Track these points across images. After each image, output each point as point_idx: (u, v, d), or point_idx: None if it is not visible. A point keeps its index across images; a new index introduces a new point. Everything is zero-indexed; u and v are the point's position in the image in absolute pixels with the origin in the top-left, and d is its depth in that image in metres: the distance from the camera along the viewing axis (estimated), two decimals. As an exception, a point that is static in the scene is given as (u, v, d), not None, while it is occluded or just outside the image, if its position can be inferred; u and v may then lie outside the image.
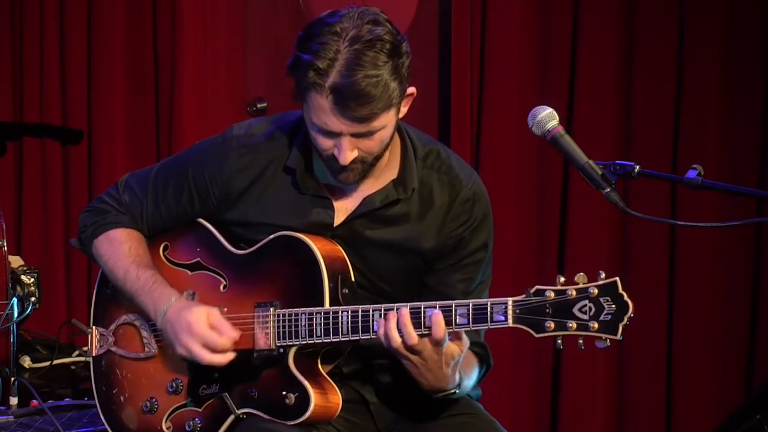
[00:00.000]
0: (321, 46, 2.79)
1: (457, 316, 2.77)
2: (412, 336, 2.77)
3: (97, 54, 5.36)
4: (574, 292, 2.67)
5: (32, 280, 4.27)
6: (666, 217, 4.92)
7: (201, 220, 3.12)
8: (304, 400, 2.90)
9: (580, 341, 2.66)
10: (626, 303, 2.64)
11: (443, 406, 3.02)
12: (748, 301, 5.05)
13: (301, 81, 2.82)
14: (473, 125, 5.23)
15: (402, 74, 2.82)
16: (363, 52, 2.78)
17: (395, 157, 3.00)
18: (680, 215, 5.01)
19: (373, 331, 2.84)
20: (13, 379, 4.08)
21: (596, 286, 2.66)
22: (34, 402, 4.00)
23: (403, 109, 2.92)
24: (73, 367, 4.53)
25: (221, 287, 3.06)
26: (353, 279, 2.96)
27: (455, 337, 2.81)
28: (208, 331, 2.94)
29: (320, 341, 2.89)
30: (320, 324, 2.89)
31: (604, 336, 2.64)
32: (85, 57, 5.35)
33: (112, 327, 3.19)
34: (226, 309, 2.99)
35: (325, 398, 2.93)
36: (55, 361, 4.42)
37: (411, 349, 2.79)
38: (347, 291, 2.93)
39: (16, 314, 4.10)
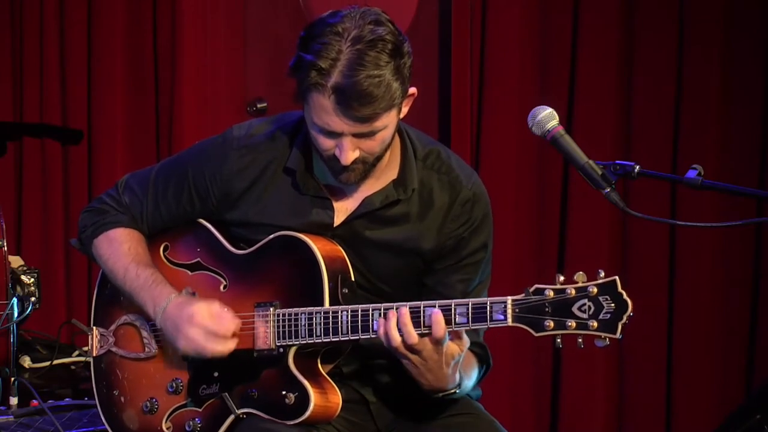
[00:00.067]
0: (323, 46, 2.79)
1: (457, 315, 2.77)
2: (412, 335, 2.77)
3: (97, 54, 5.36)
4: (573, 291, 2.67)
5: (32, 280, 4.27)
6: (666, 217, 4.92)
7: (201, 220, 3.12)
8: (303, 399, 2.91)
9: (580, 340, 2.66)
10: (625, 302, 2.64)
11: (443, 406, 3.02)
12: (748, 301, 5.05)
13: (303, 81, 2.82)
14: (473, 125, 5.23)
15: (404, 74, 2.82)
16: (365, 52, 2.78)
17: (395, 158, 3.00)
18: (680, 215, 5.01)
19: (372, 331, 2.84)
20: (13, 379, 4.08)
21: (595, 285, 2.66)
22: (34, 402, 4.00)
23: (404, 110, 2.92)
24: (73, 367, 4.53)
25: (221, 287, 3.06)
26: (353, 279, 2.96)
27: (455, 336, 2.81)
28: (209, 319, 2.94)
29: (320, 341, 2.89)
30: (320, 324, 2.89)
31: (603, 335, 2.65)
32: (85, 57, 5.35)
33: (113, 327, 3.19)
34: (226, 309, 2.99)
35: (325, 398, 2.93)
36: (55, 361, 4.42)
37: (411, 348, 2.79)
38: (347, 291, 2.93)
39: (16, 314, 4.10)
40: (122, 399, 3.15)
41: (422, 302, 2.81)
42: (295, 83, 2.86)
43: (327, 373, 2.97)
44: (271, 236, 3.00)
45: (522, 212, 5.20)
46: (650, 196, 4.96)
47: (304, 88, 2.83)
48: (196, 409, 3.04)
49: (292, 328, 2.92)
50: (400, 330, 2.79)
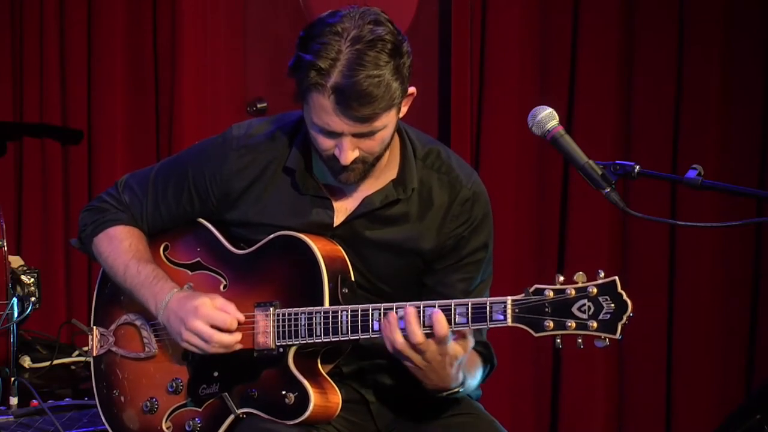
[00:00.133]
0: (322, 46, 2.79)
1: (456, 315, 2.77)
2: (417, 334, 2.77)
3: (97, 54, 5.36)
4: (573, 292, 2.67)
5: (32, 280, 4.27)
6: (666, 217, 4.92)
7: (201, 220, 3.12)
8: (303, 399, 2.91)
9: (579, 340, 2.66)
10: (625, 302, 2.64)
11: (443, 406, 3.02)
12: (748, 301, 5.05)
13: (303, 81, 2.82)
14: (473, 125, 5.23)
15: (403, 74, 2.83)
16: (365, 52, 2.78)
17: (395, 158, 3.00)
18: (680, 215, 5.00)
19: (373, 331, 2.84)
20: (13, 379, 4.08)
21: (595, 286, 2.66)
22: (34, 402, 4.00)
23: (404, 109, 2.92)
24: (73, 367, 4.53)
25: (221, 287, 3.06)
26: (353, 279, 2.96)
27: (460, 336, 2.81)
28: (214, 311, 2.94)
29: (320, 341, 2.89)
30: (320, 324, 2.89)
31: (603, 335, 2.64)
32: (85, 57, 5.35)
33: (113, 327, 3.19)
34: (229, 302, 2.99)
35: (324, 398, 2.93)
36: (55, 361, 4.42)
37: (415, 347, 2.78)
38: (347, 291, 2.93)
39: (16, 314, 4.10)
40: (122, 399, 3.15)
41: (422, 302, 2.81)
42: (295, 83, 2.86)
43: (327, 373, 2.97)
44: (271, 236, 3.00)
45: (522, 212, 5.20)
46: (650, 196, 4.96)
47: (304, 88, 2.83)
48: (196, 408, 3.04)
49: (292, 328, 2.92)
50: (404, 330, 2.78)
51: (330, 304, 2.90)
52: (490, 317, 2.74)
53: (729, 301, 5.06)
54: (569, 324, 2.66)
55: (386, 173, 2.99)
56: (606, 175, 2.84)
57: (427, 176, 3.01)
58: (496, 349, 3.10)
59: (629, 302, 2.64)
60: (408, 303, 2.82)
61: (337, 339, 2.88)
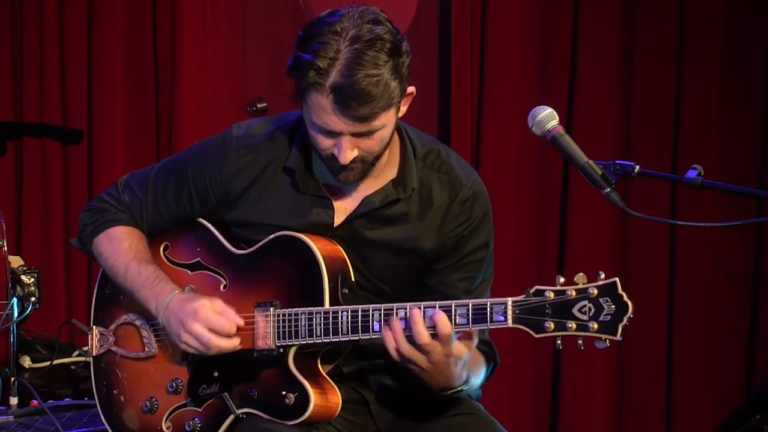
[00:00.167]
0: (321, 45, 2.79)
1: (457, 317, 2.76)
2: (423, 334, 2.76)
3: (97, 54, 5.36)
4: (573, 293, 2.67)
5: (32, 280, 4.27)
6: (666, 217, 4.92)
7: (201, 220, 3.12)
8: (303, 400, 2.91)
9: (580, 342, 2.66)
10: (626, 303, 2.64)
11: (443, 406, 3.02)
12: (748, 301, 5.05)
13: (302, 81, 2.82)
14: (473, 125, 5.23)
15: (402, 73, 2.82)
16: (363, 52, 2.78)
17: (394, 157, 3.00)
18: (680, 215, 5.00)
19: (373, 331, 2.84)
20: (13, 379, 4.08)
21: (596, 287, 2.65)
22: (34, 402, 4.00)
23: (403, 109, 2.92)
24: (73, 367, 4.53)
25: (221, 287, 3.06)
26: (353, 279, 2.96)
27: (465, 336, 2.80)
28: (214, 315, 2.94)
29: (320, 341, 2.89)
30: (320, 324, 2.89)
31: (603, 336, 2.64)
32: (85, 57, 5.35)
33: (113, 327, 3.19)
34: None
35: (324, 398, 2.93)
36: (55, 361, 4.42)
37: (421, 349, 2.78)
38: (347, 291, 2.93)
39: (16, 314, 4.10)
40: (122, 398, 3.15)
41: (422, 303, 2.81)
42: (294, 83, 2.86)
43: (327, 374, 2.97)
44: (272, 236, 3.00)
45: (522, 212, 5.20)
46: (650, 196, 4.96)
47: (303, 87, 2.83)
48: (196, 408, 3.04)
49: (292, 329, 2.92)
50: (407, 331, 2.78)
51: (330, 305, 2.90)
52: (491, 318, 2.74)
53: (729, 301, 5.06)
54: (570, 325, 2.66)
55: (386, 173, 2.99)
56: (606, 175, 2.84)
57: (427, 176, 3.01)
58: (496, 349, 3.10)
59: (630, 304, 2.63)
60: (408, 303, 2.82)
61: (338, 339, 2.88)
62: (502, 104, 5.18)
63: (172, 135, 5.34)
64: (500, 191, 5.01)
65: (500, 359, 3.10)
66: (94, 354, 3.21)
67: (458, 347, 2.80)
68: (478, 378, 2.99)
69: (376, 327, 2.83)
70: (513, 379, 5.17)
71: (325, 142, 2.87)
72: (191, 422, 3.04)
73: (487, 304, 2.74)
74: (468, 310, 2.76)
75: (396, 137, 2.98)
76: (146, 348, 3.13)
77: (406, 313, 2.81)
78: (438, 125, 5.39)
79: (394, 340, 2.79)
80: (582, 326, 2.65)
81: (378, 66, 2.78)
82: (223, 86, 5.46)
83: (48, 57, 5.32)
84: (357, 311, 2.86)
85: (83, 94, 5.36)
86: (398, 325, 2.79)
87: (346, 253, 2.98)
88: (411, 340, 2.78)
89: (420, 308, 2.79)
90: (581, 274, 2.66)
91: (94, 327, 3.22)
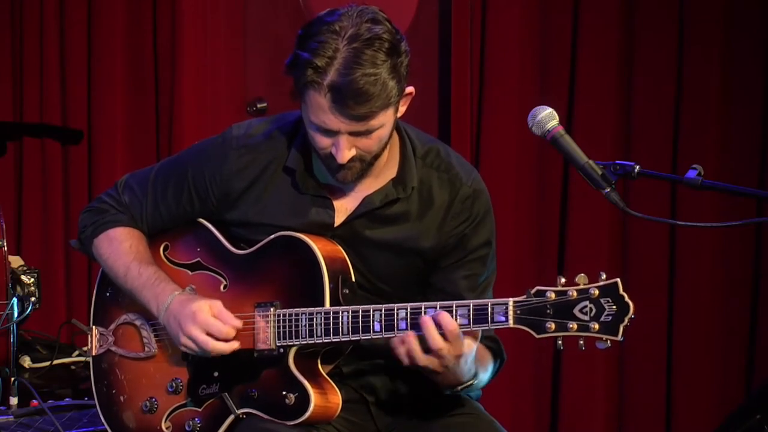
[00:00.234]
0: (320, 44, 2.79)
1: (458, 317, 2.77)
2: (437, 339, 2.76)
3: (97, 54, 5.36)
4: (574, 293, 2.67)
5: (32, 280, 4.27)
6: (666, 217, 4.92)
7: (201, 220, 3.12)
8: (304, 400, 2.90)
9: (581, 342, 2.66)
10: (627, 304, 2.64)
11: (443, 407, 3.02)
12: (748, 301, 5.05)
13: (300, 79, 2.82)
14: (473, 125, 5.23)
15: (400, 73, 2.82)
16: (362, 51, 2.78)
17: (394, 156, 3.00)
18: (680, 215, 5.01)
19: (374, 332, 2.84)
20: (13, 379, 4.08)
21: (597, 287, 2.66)
22: (34, 402, 4.00)
23: (402, 109, 2.91)
24: (73, 367, 4.53)
25: (221, 287, 3.06)
26: (354, 279, 2.95)
27: (469, 332, 2.80)
28: (212, 319, 2.94)
29: (320, 341, 2.89)
30: (320, 324, 2.89)
31: (604, 337, 2.64)
32: (85, 57, 5.35)
33: (112, 327, 3.19)
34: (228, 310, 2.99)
35: (325, 398, 2.93)
36: (55, 361, 4.42)
37: (435, 353, 2.78)
38: (347, 291, 2.93)
39: (16, 314, 4.10)
40: (122, 398, 3.15)
41: (423, 303, 2.81)
42: (293, 81, 2.86)
43: (327, 374, 2.97)
44: (272, 236, 3.00)
45: (522, 212, 5.20)
46: (650, 196, 4.96)
47: (301, 86, 2.83)
48: (196, 408, 3.04)
49: (293, 329, 2.92)
50: (423, 337, 2.77)
51: (331, 305, 2.90)
52: (492, 318, 2.74)
53: (729, 301, 5.06)
54: (571, 326, 2.66)
55: (386, 172, 2.99)
56: (606, 175, 2.84)
57: (427, 175, 3.01)
58: (496, 348, 3.10)
59: (631, 304, 2.64)
60: (408, 304, 2.82)
61: (338, 339, 2.88)
62: (502, 104, 5.18)
63: (172, 135, 5.34)
64: (500, 191, 5.01)
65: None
66: (93, 354, 3.21)
67: (467, 342, 2.80)
68: (486, 373, 2.98)
69: (377, 327, 2.83)
70: (513, 379, 5.17)
71: (322, 141, 2.87)
72: (191, 422, 3.03)
73: (488, 305, 2.74)
74: (469, 310, 2.76)
75: (396, 136, 2.98)
76: (146, 348, 3.13)
77: (406, 314, 2.81)
78: (438, 125, 5.39)
79: (407, 353, 2.79)
80: (583, 327, 2.65)
81: (376, 65, 2.78)
82: (223, 86, 5.46)
83: (48, 57, 5.31)
84: (357, 311, 2.86)
85: (83, 94, 5.36)
86: (412, 334, 2.78)
87: (347, 253, 2.97)
88: (424, 345, 2.78)
89: (417, 309, 2.79)
90: (582, 274, 2.66)
91: (93, 327, 3.22)
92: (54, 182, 5.35)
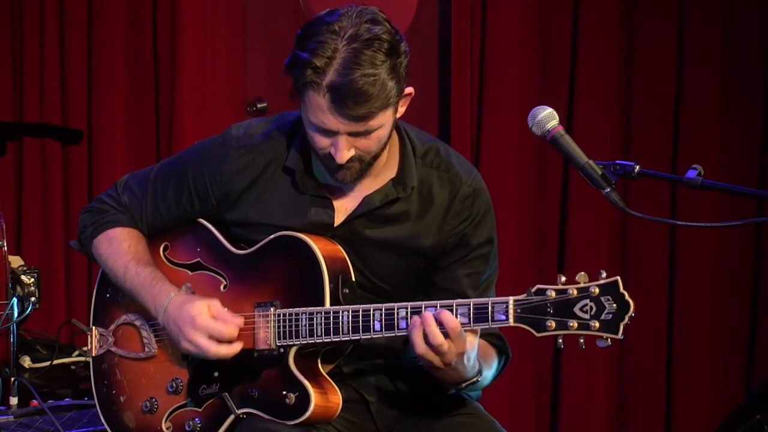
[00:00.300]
0: (319, 44, 2.79)
1: (459, 316, 2.77)
2: (437, 335, 2.76)
3: (97, 54, 5.36)
4: (575, 292, 2.67)
5: (32, 280, 4.27)
6: (666, 217, 4.92)
7: (201, 220, 3.12)
8: (304, 400, 2.90)
9: (581, 340, 2.66)
10: (627, 302, 2.64)
11: (443, 406, 3.02)
12: (748, 301, 5.05)
13: (299, 79, 2.82)
14: (473, 125, 5.23)
15: (400, 73, 2.82)
16: (361, 51, 2.78)
17: (394, 156, 3.00)
18: (680, 215, 5.01)
19: (374, 331, 2.84)
20: (13, 379, 4.08)
21: (597, 286, 2.66)
22: (34, 402, 4.00)
23: (401, 109, 2.91)
24: (73, 367, 4.53)
25: (221, 287, 3.06)
26: (354, 279, 2.95)
27: (470, 330, 2.80)
28: (212, 322, 2.94)
29: (321, 341, 2.89)
30: (321, 324, 2.89)
31: (605, 335, 2.64)
32: (85, 57, 5.35)
33: (112, 327, 3.19)
34: (226, 309, 2.99)
35: (325, 398, 2.93)
36: (55, 361, 4.42)
37: (436, 350, 2.78)
38: (348, 291, 2.93)
39: (16, 314, 4.10)
40: (122, 399, 3.15)
41: (423, 302, 2.81)
42: (292, 81, 2.86)
43: (327, 373, 2.97)
44: (272, 236, 3.00)
45: (522, 212, 5.20)
46: (650, 196, 4.96)
47: (300, 86, 2.83)
48: (196, 409, 3.04)
49: (293, 328, 2.92)
50: (424, 331, 2.78)
51: (331, 305, 2.90)
52: (492, 317, 2.74)
53: (729, 301, 5.06)
54: (571, 324, 2.66)
55: (386, 172, 2.99)
56: (606, 175, 2.84)
57: (427, 174, 3.01)
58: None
59: (631, 302, 2.64)
60: (408, 303, 2.82)
61: (338, 339, 2.88)
62: (502, 104, 5.18)
63: (172, 135, 5.34)
64: (500, 191, 5.00)
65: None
66: (93, 354, 3.21)
67: (469, 339, 2.80)
68: (490, 370, 2.98)
69: (377, 326, 2.84)
70: (513, 378, 5.16)
71: (321, 141, 2.87)
72: (191, 422, 3.03)
73: (488, 303, 2.74)
74: (469, 309, 2.76)
75: (395, 136, 2.98)
76: (146, 348, 3.13)
77: (407, 313, 2.81)
78: (438, 125, 5.39)
79: (425, 336, 2.78)
80: (583, 325, 2.65)
81: (375, 66, 2.78)
82: (223, 86, 5.46)
83: (48, 57, 5.31)
84: (358, 311, 2.86)
85: (83, 94, 5.36)
86: (431, 321, 2.78)
87: (347, 253, 2.97)
88: (426, 340, 2.78)
89: (417, 308, 2.79)
90: (582, 273, 2.66)
91: (93, 327, 3.22)
92: (54, 182, 5.35)
